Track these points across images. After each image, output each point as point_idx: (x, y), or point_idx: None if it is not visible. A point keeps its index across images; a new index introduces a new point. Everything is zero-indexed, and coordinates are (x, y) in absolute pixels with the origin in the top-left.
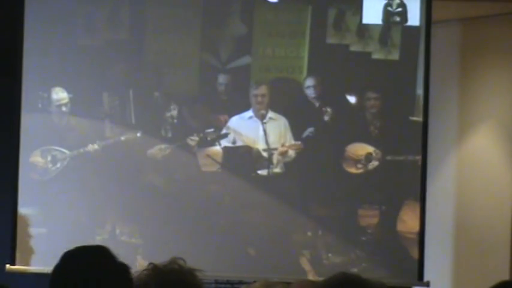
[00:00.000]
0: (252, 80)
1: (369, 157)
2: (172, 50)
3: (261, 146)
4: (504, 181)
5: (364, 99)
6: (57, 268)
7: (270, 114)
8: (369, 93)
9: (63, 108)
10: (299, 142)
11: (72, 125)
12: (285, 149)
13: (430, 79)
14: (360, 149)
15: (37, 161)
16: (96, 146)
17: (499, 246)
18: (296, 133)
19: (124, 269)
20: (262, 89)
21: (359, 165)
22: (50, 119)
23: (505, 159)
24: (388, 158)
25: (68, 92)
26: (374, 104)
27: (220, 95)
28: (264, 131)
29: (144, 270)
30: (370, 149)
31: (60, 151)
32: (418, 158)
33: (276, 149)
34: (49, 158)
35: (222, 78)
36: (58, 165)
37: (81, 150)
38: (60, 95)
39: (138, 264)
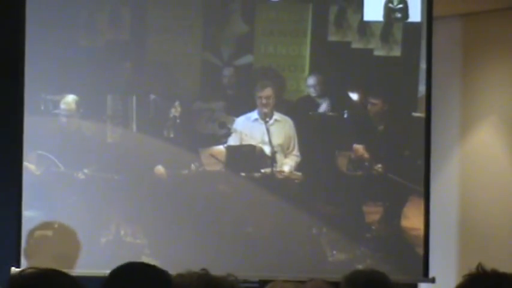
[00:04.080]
0: (257, 82)
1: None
2: (174, 50)
3: (266, 147)
4: (508, 176)
5: (368, 102)
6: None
7: (276, 116)
8: (373, 96)
9: (67, 111)
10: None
11: (75, 127)
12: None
13: (432, 75)
14: (362, 148)
15: (40, 163)
16: (99, 147)
17: (504, 241)
18: (302, 134)
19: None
20: (268, 91)
21: (362, 163)
22: (52, 122)
23: (508, 154)
24: (392, 154)
25: (70, 94)
26: (380, 108)
27: (225, 89)
28: (269, 132)
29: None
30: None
31: (64, 153)
32: (422, 154)
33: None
34: (53, 160)
35: (227, 71)
36: (62, 167)
37: (85, 151)
38: (62, 97)
39: None
